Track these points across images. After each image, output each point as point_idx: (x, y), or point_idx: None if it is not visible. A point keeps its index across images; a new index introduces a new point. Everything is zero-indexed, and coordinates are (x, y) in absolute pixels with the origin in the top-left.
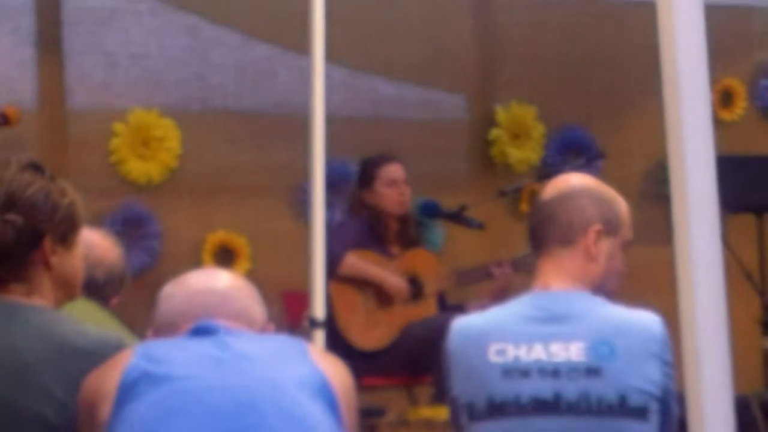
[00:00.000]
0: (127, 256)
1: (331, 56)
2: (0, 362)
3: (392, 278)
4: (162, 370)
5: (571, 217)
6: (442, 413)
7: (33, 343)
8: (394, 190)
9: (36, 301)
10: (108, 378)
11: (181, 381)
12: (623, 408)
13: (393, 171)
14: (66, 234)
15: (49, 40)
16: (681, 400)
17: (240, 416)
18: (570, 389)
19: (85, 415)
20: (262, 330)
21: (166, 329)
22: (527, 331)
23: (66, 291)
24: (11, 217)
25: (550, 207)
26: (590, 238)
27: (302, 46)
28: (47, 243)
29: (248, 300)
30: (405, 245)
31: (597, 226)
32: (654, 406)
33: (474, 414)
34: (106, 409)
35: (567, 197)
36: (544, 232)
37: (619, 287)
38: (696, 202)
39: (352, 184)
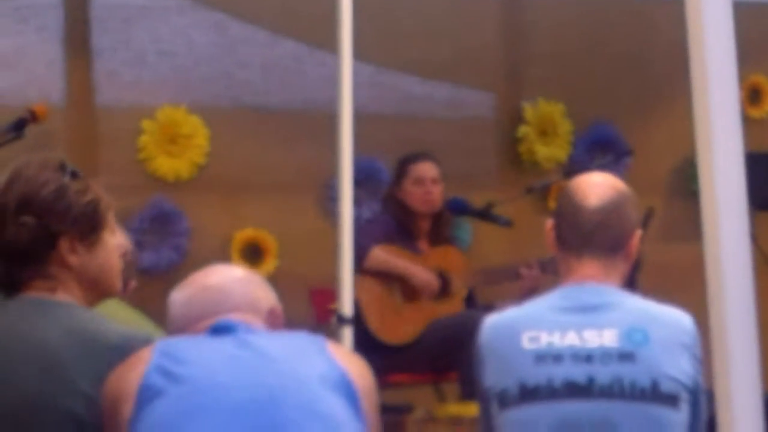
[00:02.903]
0: (155, 253)
1: (358, 54)
2: (29, 357)
3: (420, 271)
4: (182, 369)
5: (624, 225)
6: (469, 410)
7: (61, 338)
8: (420, 188)
9: (61, 298)
10: (129, 377)
11: (201, 380)
12: (655, 393)
13: (421, 169)
14: (86, 233)
15: (78, 38)
16: (710, 397)
17: (261, 414)
18: (603, 373)
19: (108, 413)
20: (270, 313)
21: (178, 334)
22: (561, 319)
23: (96, 289)
24: (25, 218)
25: (600, 214)
26: (635, 243)
27: (330, 44)
28: (63, 243)
29: (247, 289)
30: (434, 242)
31: (640, 231)
32: (685, 396)
33: (506, 401)
34: (127, 408)
35: (617, 205)
36: (592, 239)
37: None
38: (725, 198)
39: (386, 179)
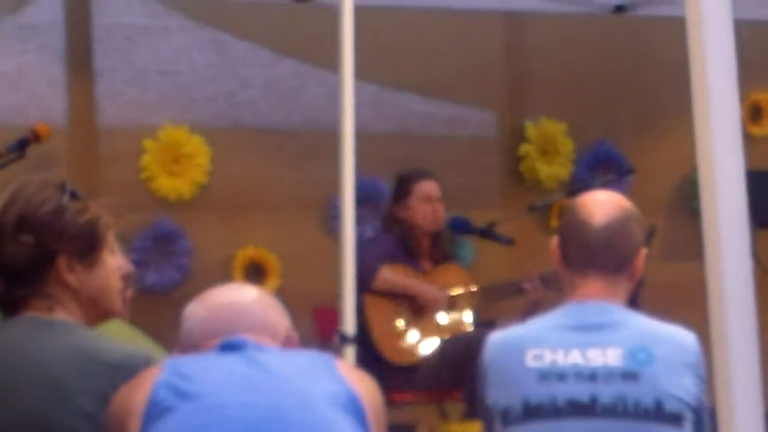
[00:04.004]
0: (156, 273)
1: (360, 73)
2: (29, 376)
3: (428, 288)
4: (190, 386)
5: (629, 243)
6: (472, 429)
7: (60, 357)
8: (428, 206)
9: (59, 317)
10: (136, 394)
11: (209, 397)
12: (659, 413)
13: (428, 187)
14: (84, 252)
15: (79, 58)
16: (712, 415)
17: None
18: (606, 392)
19: (115, 429)
20: (287, 339)
21: (191, 348)
22: (565, 338)
23: (95, 309)
24: (23, 237)
25: (605, 233)
26: (640, 261)
27: (331, 63)
28: (61, 262)
29: (268, 312)
30: (436, 261)
31: (644, 250)
32: (688, 416)
33: (509, 418)
34: (134, 426)
35: (622, 223)
36: (597, 257)
37: None
38: (726, 216)
39: (388, 198)
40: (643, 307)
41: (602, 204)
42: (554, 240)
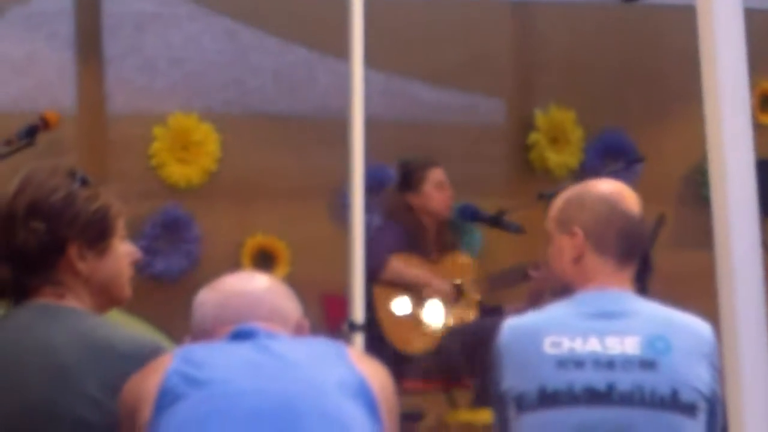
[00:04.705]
0: (166, 260)
1: (369, 61)
2: (38, 363)
3: (436, 279)
4: (202, 374)
5: (645, 234)
6: (481, 417)
7: (70, 344)
8: (443, 193)
9: (70, 304)
10: (148, 381)
11: (220, 385)
12: (675, 402)
13: (440, 173)
14: (95, 240)
15: (89, 45)
16: (723, 405)
17: (279, 420)
18: (624, 380)
19: (125, 418)
20: (298, 326)
21: (203, 335)
22: (583, 325)
23: (105, 296)
24: (34, 224)
25: (643, 226)
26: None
27: (341, 51)
28: (72, 249)
29: (280, 300)
30: (443, 249)
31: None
32: (703, 405)
33: (524, 404)
34: (146, 413)
35: (638, 214)
36: (634, 248)
37: None
38: (736, 205)
39: (391, 186)
40: (652, 295)
41: (633, 196)
42: (576, 228)
